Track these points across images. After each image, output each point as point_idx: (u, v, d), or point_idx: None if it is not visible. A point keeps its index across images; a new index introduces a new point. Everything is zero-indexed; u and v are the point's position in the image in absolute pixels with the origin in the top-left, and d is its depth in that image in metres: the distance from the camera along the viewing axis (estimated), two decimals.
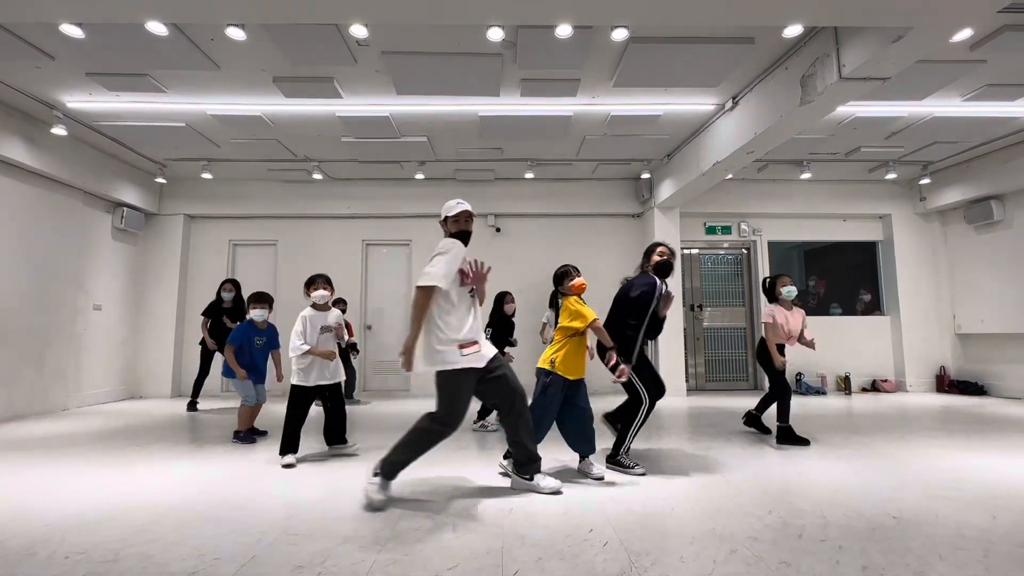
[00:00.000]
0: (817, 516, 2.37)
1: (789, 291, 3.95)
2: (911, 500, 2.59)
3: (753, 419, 4.30)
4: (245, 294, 5.88)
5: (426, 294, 2.59)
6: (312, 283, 3.64)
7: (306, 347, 3.47)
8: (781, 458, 3.48)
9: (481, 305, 2.84)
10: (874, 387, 7.30)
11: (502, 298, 4.84)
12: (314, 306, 3.64)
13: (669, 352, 6.90)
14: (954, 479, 2.95)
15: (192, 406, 5.86)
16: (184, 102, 5.05)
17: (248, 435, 4.11)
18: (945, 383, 7.18)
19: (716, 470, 3.17)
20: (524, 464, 2.81)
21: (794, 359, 7.28)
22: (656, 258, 3.33)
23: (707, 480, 2.96)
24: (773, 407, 4.00)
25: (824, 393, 7.01)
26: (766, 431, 4.18)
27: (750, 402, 6.12)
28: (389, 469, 2.63)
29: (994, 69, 4.43)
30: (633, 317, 3.13)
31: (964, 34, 3.79)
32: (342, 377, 3.71)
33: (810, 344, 3.96)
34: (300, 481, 3.00)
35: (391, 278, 7.56)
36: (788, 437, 3.84)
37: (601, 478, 2.96)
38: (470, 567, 1.88)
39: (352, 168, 6.97)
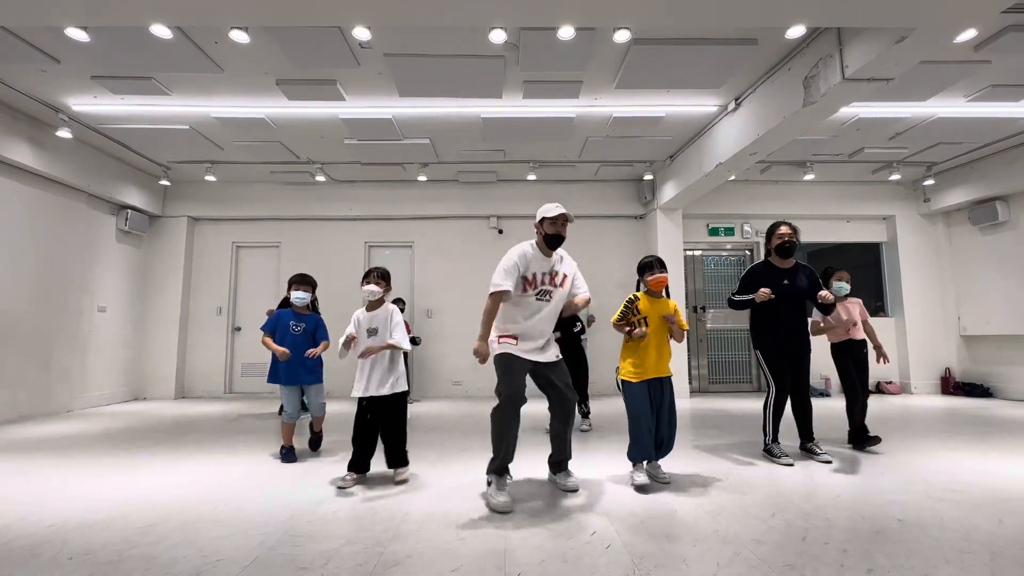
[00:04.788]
0: (821, 519, 2.36)
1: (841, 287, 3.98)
2: (916, 503, 2.57)
3: (860, 434, 3.77)
4: (256, 298, 5.69)
5: (490, 300, 2.72)
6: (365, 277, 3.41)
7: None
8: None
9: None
10: (878, 389, 7.25)
11: None
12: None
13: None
14: (959, 482, 2.93)
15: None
16: (188, 105, 5.08)
17: (289, 453, 3.53)
18: (950, 385, 7.13)
19: (719, 472, 3.16)
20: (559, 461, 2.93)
21: None
22: (775, 241, 3.56)
23: (710, 482, 2.95)
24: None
25: (828, 395, 6.97)
26: (875, 440, 3.74)
27: (754, 404, 6.12)
28: (493, 467, 2.70)
29: (998, 70, 4.41)
30: (736, 293, 3.61)
31: (968, 34, 3.76)
32: (391, 389, 3.06)
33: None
34: (303, 483, 3.00)
35: (394, 280, 7.47)
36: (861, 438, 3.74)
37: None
38: (473, 568, 1.88)
39: (355, 170, 6.99)
